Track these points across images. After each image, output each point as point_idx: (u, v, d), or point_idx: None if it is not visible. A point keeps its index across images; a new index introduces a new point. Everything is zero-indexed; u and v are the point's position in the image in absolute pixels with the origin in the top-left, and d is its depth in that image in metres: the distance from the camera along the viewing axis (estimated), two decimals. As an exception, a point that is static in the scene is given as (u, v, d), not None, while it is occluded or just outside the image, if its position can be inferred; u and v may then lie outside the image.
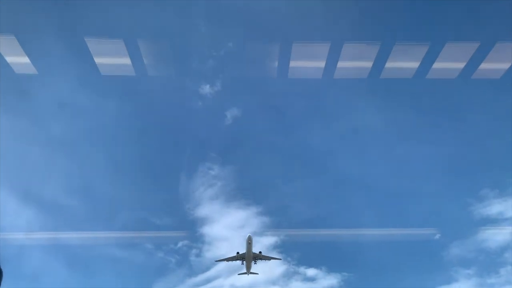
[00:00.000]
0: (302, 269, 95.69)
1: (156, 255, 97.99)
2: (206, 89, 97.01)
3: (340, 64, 19.41)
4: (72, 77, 60.28)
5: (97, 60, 19.36)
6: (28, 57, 18.98)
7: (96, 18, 23.84)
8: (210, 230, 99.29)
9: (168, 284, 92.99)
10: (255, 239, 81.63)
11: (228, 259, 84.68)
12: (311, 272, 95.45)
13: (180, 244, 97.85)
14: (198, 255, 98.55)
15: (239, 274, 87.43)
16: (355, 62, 20.44)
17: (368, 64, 19.81)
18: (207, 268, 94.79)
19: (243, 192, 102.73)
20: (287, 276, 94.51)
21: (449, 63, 19.94)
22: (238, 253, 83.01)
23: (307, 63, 20.53)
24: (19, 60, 19.10)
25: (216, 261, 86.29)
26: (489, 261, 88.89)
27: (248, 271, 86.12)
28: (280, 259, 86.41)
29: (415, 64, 19.90)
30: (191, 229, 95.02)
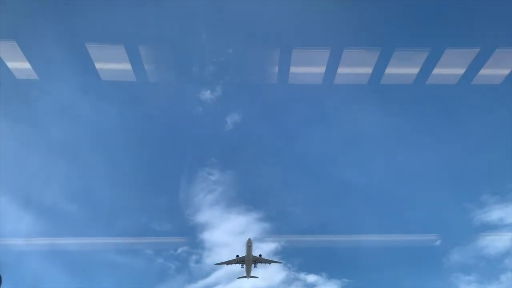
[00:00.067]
0: (302, 275, 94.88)
1: (156, 261, 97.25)
2: (207, 94, 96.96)
3: (340, 70, 19.44)
4: (73, 83, 60.28)
5: (98, 65, 19.41)
6: (29, 62, 19.03)
7: (97, 24, 23.91)
8: (210, 236, 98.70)
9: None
10: (255, 245, 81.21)
11: (227, 262, 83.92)
12: (311, 278, 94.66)
13: (180, 250, 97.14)
14: (198, 261, 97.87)
15: (238, 278, 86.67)
16: (355, 68, 20.45)
17: (368, 70, 19.83)
18: (207, 274, 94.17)
19: (243, 197, 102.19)
20: (288, 282, 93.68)
21: (449, 69, 19.96)
22: (237, 256, 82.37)
23: (307, 69, 20.55)
24: (20, 65, 19.14)
25: (216, 264, 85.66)
26: (489, 268, 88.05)
27: (248, 275, 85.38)
28: (281, 262, 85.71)
29: (415, 70, 19.92)
30: (191, 235, 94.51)
